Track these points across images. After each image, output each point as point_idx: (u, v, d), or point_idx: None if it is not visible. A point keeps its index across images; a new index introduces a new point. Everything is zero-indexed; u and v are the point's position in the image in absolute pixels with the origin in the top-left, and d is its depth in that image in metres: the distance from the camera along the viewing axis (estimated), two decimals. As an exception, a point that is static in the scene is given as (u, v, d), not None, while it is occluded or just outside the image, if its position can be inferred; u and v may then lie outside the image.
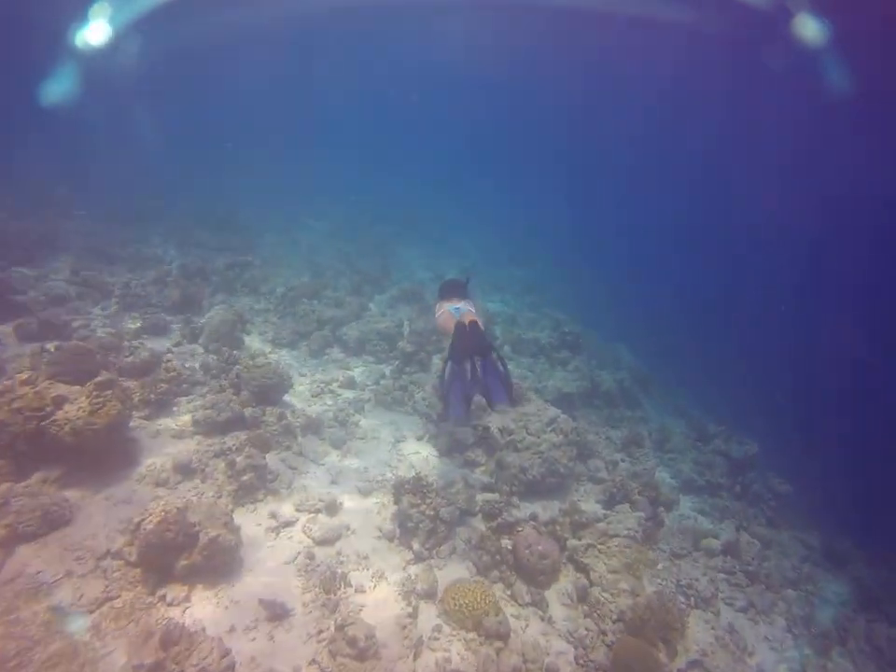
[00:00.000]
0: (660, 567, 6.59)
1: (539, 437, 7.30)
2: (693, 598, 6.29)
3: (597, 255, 24.56)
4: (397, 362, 9.40)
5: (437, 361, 9.74)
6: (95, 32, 13.83)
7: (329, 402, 7.91)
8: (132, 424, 6.04)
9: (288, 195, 22.03)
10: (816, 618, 7.10)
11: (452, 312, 5.33)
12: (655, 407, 12.88)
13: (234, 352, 7.90)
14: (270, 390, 7.15)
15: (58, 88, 16.10)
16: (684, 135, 33.87)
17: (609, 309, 19.32)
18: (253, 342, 9.31)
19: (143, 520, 4.24)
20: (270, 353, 9.09)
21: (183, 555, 4.30)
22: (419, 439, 7.62)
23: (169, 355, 7.95)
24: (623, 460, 8.65)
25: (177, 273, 10.99)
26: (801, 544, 9.35)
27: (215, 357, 7.76)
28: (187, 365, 7.65)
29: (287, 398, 7.55)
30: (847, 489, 11.00)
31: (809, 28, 13.26)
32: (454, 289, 5.69)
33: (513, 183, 33.76)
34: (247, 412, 6.69)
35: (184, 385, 7.05)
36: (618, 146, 37.83)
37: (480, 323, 5.12)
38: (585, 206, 31.00)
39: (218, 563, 4.45)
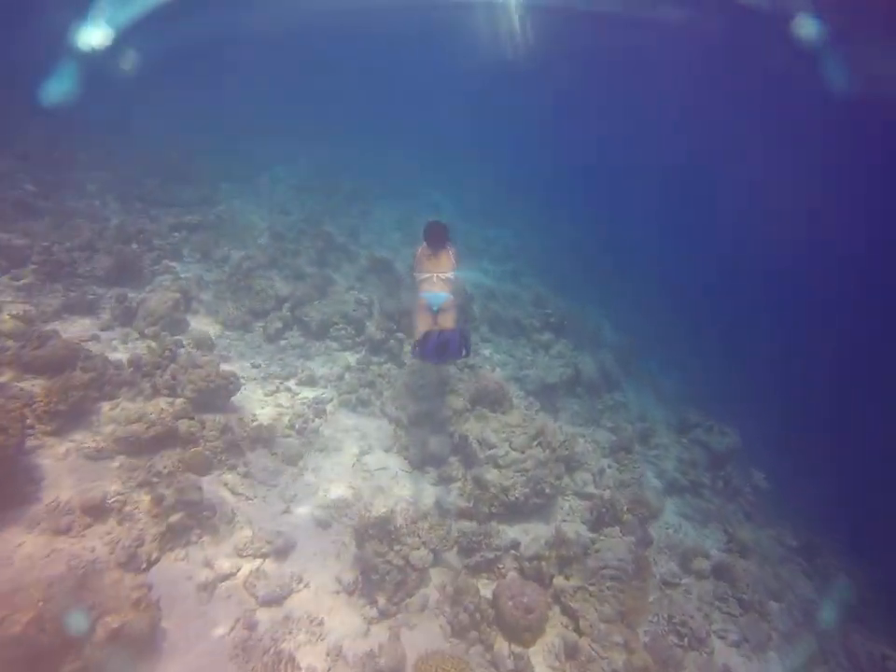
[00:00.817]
0: (651, 599, 5.88)
1: (523, 452, 6.35)
2: (687, 639, 5.61)
3: (580, 216, 23.32)
4: (364, 351, 8.25)
5: (408, 348, 8.63)
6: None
7: (285, 404, 6.76)
8: (30, 443, 4.82)
9: (258, 137, 19.93)
10: (799, 636, 6.65)
11: (428, 302, 5.20)
12: (636, 389, 12.14)
13: (173, 343, 6.58)
14: (213, 395, 5.96)
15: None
16: (684, 135, 32.32)
17: (587, 272, 18.36)
18: (200, 323, 7.99)
19: (5, 618, 3.12)
20: (219, 337, 7.82)
21: (67, 662, 3.23)
22: (387, 450, 6.59)
23: (91, 344, 6.59)
24: (609, 466, 7.82)
25: (114, 234, 9.38)
26: (778, 544, 8.94)
27: (149, 349, 6.43)
28: (113, 357, 6.35)
29: (235, 398, 6.35)
30: (827, 483, 10.61)
31: (809, 28, 13.01)
32: (436, 237, 5.44)
33: (493, 137, 31.62)
34: (183, 425, 5.50)
35: (107, 388, 5.78)
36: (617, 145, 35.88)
37: (453, 317, 5.24)
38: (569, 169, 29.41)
39: (122, 661, 3.40)
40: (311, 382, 7.22)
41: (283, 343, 8.18)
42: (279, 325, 8.22)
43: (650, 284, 19.49)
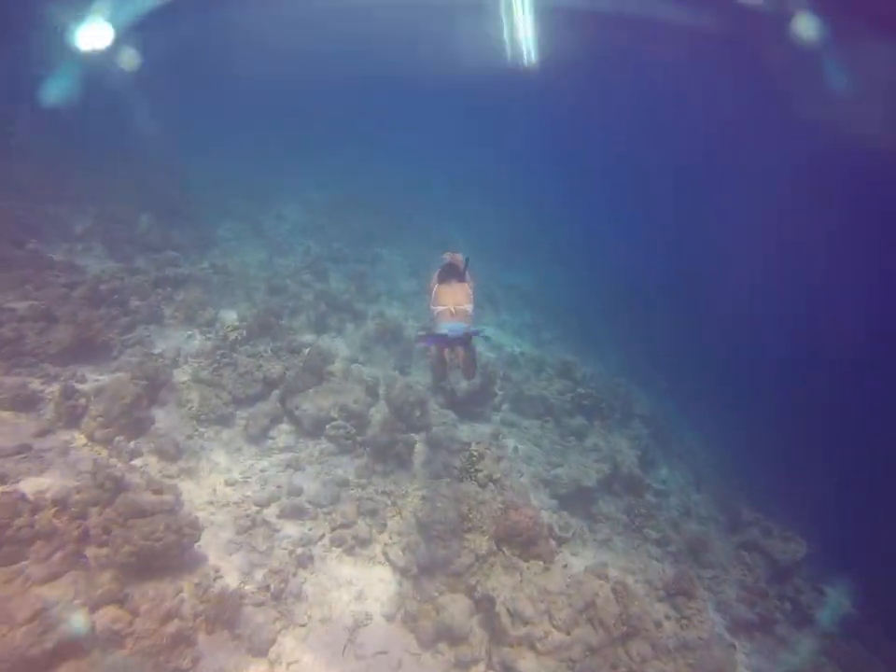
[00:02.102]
0: None
1: (569, 633, 4.68)
2: None
3: (598, 257, 21.76)
4: (365, 455, 6.64)
5: (419, 451, 7.03)
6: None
7: (261, 548, 5.12)
8: None
9: (261, 173, 18.54)
10: None
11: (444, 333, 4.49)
12: (672, 466, 10.46)
13: (113, 474, 4.95)
14: (159, 556, 4.34)
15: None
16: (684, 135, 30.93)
17: (610, 317, 16.71)
18: (168, 417, 6.40)
19: None
20: (189, 438, 6.22)
21: None
22: (390, 619, 4.92)
23: (14, 463, 5.01)
24: (668, 617, 6.10)
25: (82, 295, 7.87)
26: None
27: (80, 490, 4.81)
28: (37, 488, 4.77)
29: (194, 548, 4.73)
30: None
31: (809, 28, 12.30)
32: (452, 268, 5.03)
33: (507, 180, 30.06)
34: (102, 617, 3.87)
35: (6, 549, 4.18)
36: (618, 145, 34.45)
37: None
38: (582, 204, 27.84)
39: None
40: (297, 511, 5.57)
41: (268, 443, 6.58)
42: (265, 421, 6.62)
43: (673, 327, 17.82)
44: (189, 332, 8.30)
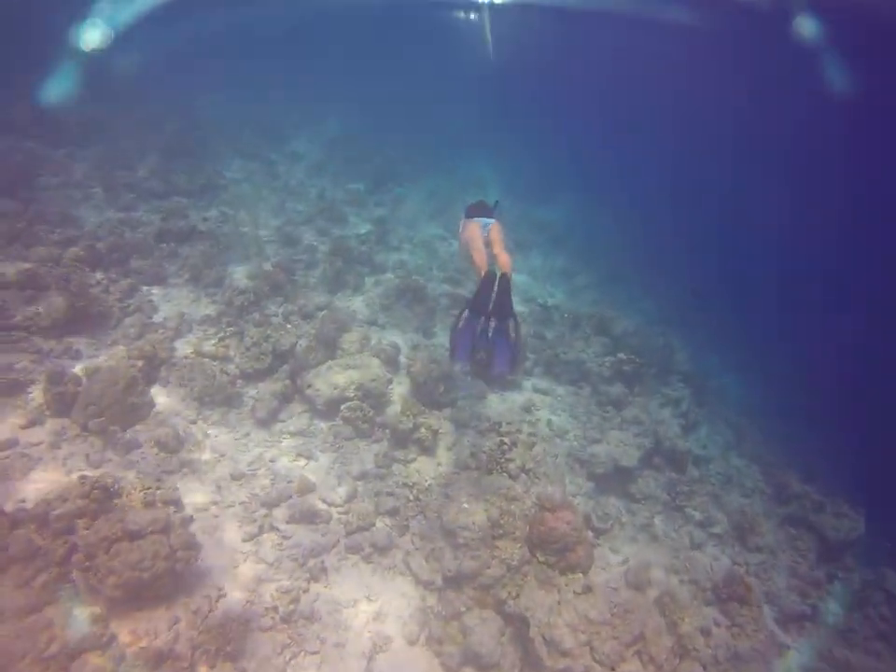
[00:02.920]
0: None
1: (614, 670, 4.04)
2: None
3: (637, 193, 19.87)
4: (384, 442, 5.91)
5: (444, 432, 6.27)
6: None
7: (269, 558, 4.52)
8: None
9: (278, 108, 16.98)
10: None
11: (480, 226, 4.85)
12: (713, 429, 9.60)
13: (104, 482, 4.29)
14: (147, 588, 3.76)
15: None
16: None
17: (653, 270, 15.28)
18: (170, 399, 5.73)
19: None
20: (192, 422, 5.57)
21: None
22: (412, 642, 4.33)
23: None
24: (718, 624, 5.44)
25: (76, 256, 7.07)
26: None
27: (69, 489, 4.19)
28: (21, 494, 4.20)
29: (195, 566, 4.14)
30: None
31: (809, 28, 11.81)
32: (481, 210, 5.04)
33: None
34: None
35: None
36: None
37: (509, 271, 4.44)
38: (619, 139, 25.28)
39: None
40: (309, 513, 4.91)
41: (278, 427, 5.88)
42: (274, 403, 5.90)
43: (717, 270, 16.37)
44: (195, 294, 7.48)
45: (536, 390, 7.89)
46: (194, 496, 4.74)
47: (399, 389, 6.69)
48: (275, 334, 6.52)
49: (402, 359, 7.14)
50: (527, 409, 7.33)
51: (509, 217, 12.40)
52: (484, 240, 4.78)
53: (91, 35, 10.82)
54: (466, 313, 4.34)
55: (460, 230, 5.11)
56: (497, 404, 7.24)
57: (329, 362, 6.30)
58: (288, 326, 6.98)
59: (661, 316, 13.32)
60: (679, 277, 15.45)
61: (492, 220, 4.94)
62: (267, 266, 8.24)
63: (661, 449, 7.48)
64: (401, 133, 16.95)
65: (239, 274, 8.16)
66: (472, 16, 20.02)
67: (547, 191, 17.30)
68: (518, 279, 11.16)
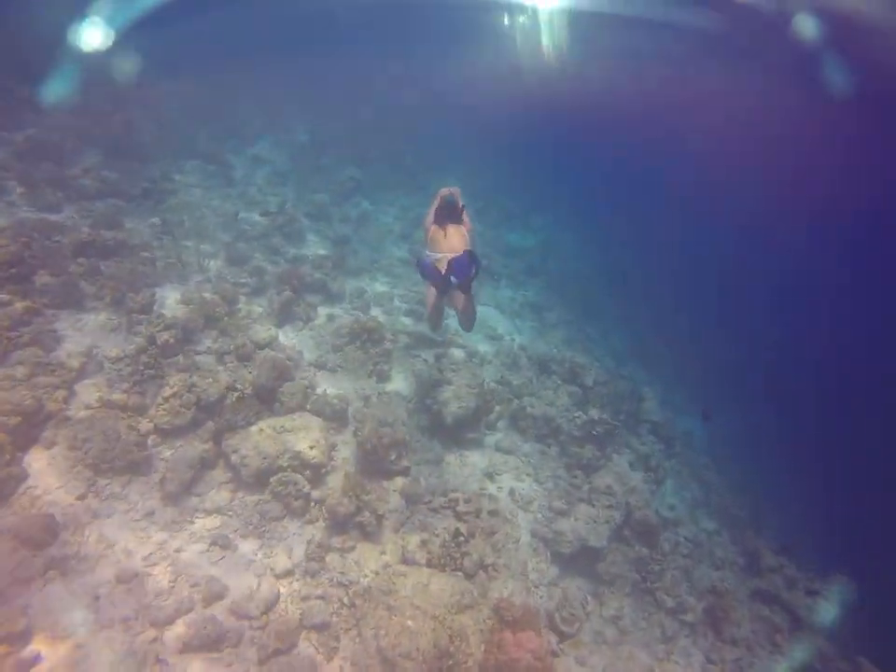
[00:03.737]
0: None
1: None
2: None
3: (612, 218, 19.34)
4: (320, 524, 4.89)
5: (392, 507, 5.29)
6: None
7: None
8: None
9: (245, 105, 15.66)
10: None
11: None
12: (682, 488, 8.96)
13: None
14: None
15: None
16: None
17: (624, 301, 14.68)
18: (53, 466, 4.54)
19: None
20: (79, 498, 4.41)
21: None
22: None
23: None
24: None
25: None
26: None
27: None
28: None
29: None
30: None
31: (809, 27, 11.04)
32: (447, 212, 4.62)
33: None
34: None
35: None
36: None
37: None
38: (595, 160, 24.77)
39: None
40: (213, 634, 3.83)
41: (192, 503, 4.77)
42: (189, 473, 4.79)
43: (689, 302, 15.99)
44: (114, 323, 6.26)
45: (499, 449, 6.99)
46: (58, 615, 3.60)
47: (345, 452, 5.67)
48: (202, 382, 5.40)
49: (351, 412, 6.11)
50: (489, 474, 6.42)
51: (479, 243, 11.60)
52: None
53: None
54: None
55: (427, 226, 4.72)
56: (457, 469, 6.31)
57: (261, 423, 5.21)
58: (220, 369, 5.87)
59: (631, 350, 12.76)
60: (652, 305, 15.01)
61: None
62: (205, 292, 7.07)
63: (631, 520, 6.70)
64: (375, 144, 15.89)
65: (172, 300, 6.97)
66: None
67: (522, 214, 16.57)
68: (485, 312, 10.31)
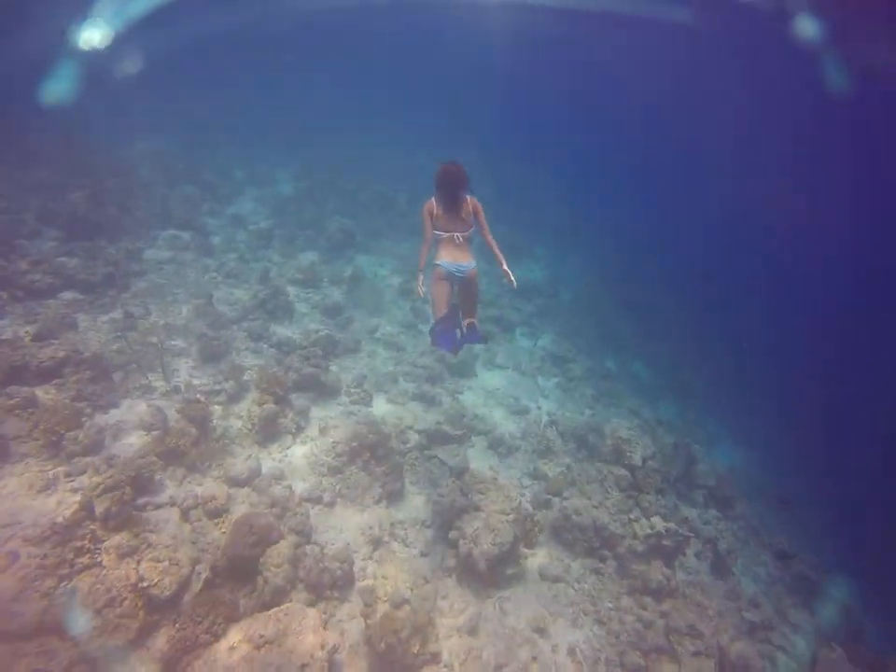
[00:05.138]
0: None
1: None
2: None
3: (621, 239, 17.86)
4: None
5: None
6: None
7: None
8: None
9: (223, 158, 14.38)
10: None
11: (447, 272, 4.04)
12: (756, 566, 7.33)
13: None
14: None
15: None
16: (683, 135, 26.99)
17: (651, 339, 13.12)
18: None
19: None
20: None
21: None
22: None
23: None
24: None
25: None
26: None
27: None
28: None
29: None
30: None
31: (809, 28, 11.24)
32: (452, 184, 3.95)
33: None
34: None
35: None
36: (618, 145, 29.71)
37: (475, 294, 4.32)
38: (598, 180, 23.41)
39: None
40: None
41: None
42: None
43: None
44: (47, 476, 4.77)
45: (544, 577, 5.43)
46: None
47: (353, 632, 4.14)
48: (154, 573, 3.89)
49: (358, 574, 4.59)
50: (540, 628, 4.85)
51: (485, 283, 10.11)
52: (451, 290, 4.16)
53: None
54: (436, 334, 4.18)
55: (424, 218, 4.07)
56: (497, 626, 4.75)
57: (235, 633, 3.69)
58: (184, 532, 4.37)
59: (657, 381, 11.28)
60: (672, 329, 13.56)
61: (467, 267, 4.07)
62: (172, 409, 5.60)
63: (726, 663, 5.11)
64: (364, 186, 14.52)
65: (130, 425, 5.50)
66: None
67: (526, 245, 15.12)
68: (505, 378, 8.81)
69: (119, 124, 14.83)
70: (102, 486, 4.35)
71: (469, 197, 4.06)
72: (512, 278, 3.99)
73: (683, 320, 14.48)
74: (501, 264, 4.01)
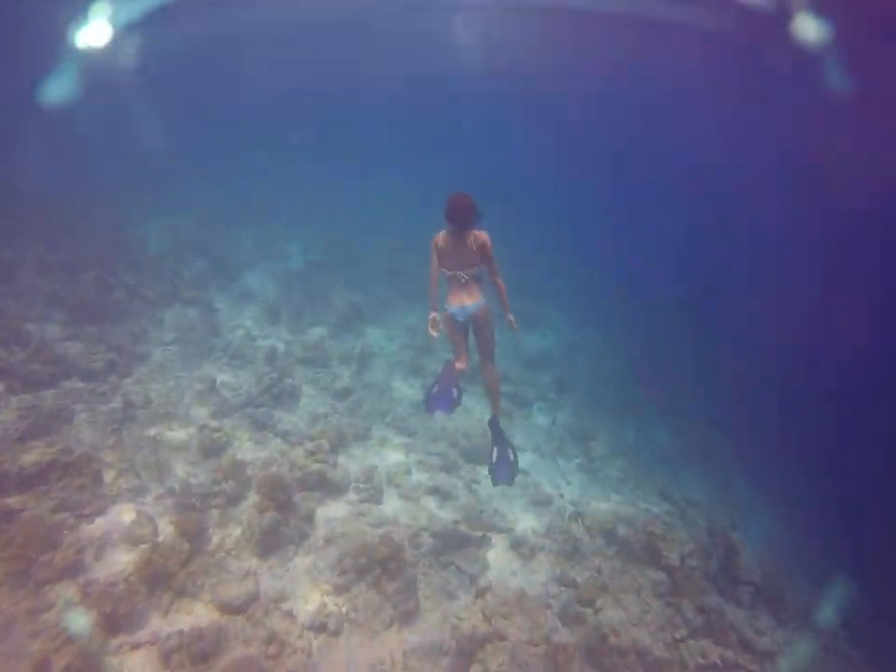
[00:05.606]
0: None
1: None
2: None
3: (636, 300, 17.48)
4: None
5: None
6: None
7: None
8: None
9: (234, 231, 14.53)
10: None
11: (453, 317, 3.94)
12: None
13: None
14: None
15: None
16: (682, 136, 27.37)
17: (661, 390, 12.47)
18: None
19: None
20: None
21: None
22: None
23: None
24: None
25: None
26: None
27: None
28: None
29: None
30: None
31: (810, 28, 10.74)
32: (458, 215, 3.70)
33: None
34: None
35: None
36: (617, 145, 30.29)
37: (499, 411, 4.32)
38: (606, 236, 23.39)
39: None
40: None
41: None
42: None
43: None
44: (5, 616, 4.16)
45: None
46: None
47: None
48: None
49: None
50: None
51: (497, 353, 9.63)
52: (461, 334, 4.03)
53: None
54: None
55: (430, 251, 3.93)
56: None
57: None
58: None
59: (680, 448, 10.54)
60: (689, 387, 12.88)
61: (473, 308, 3.89)
62: (163, 520, 5.05)
63: None
64: (374, 255, 14.48)
65: (116, 536, 4.95)
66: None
67: (536, 309, 14.78)
68: (522, 461, 8.15)
69: (141, 200, 15.20)
70: (64, 636, 3.75)
71: (476, 231, 3.80)
72: (515, 325, 3.96)
73: (701, 379, 13.83)
74: (505, 310, 3.93)
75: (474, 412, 8.86)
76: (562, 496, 7.67)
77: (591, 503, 7.63)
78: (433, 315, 3.99)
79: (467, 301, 3.86)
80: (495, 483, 4.42)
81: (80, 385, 7.22)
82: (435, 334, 3.98)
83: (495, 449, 4.29)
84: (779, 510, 10.13)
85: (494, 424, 4.35)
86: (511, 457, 4.32)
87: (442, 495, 6.69)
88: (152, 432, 6.54)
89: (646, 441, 10.70)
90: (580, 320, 15.62)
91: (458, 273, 3.80)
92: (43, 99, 11.85)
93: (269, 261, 13.10)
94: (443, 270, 3.86)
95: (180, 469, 6.07)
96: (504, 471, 4.28)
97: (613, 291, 18.11)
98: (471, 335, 4.13)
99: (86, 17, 11.75)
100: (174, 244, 12.66)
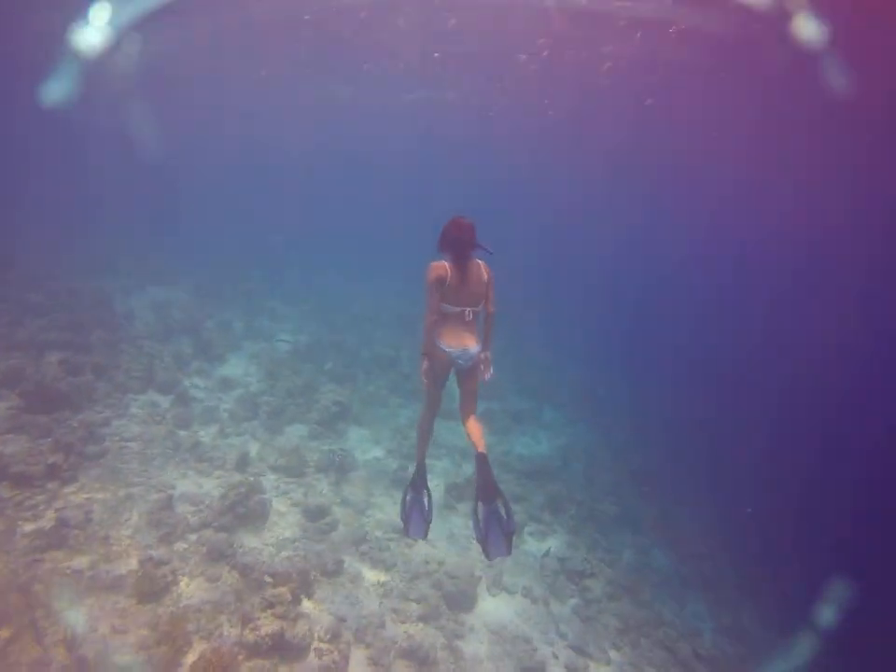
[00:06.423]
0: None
1: None
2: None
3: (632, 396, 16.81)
4: None
5: None
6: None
7: None
8: None
9: (228, 304, 13.94)
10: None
11: (451, 357, 3.38)
12: None
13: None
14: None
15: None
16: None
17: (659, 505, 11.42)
18: None
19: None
20: None
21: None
22: None
23: None
24: None
25: None
26: None
27: None
28: None
29: None
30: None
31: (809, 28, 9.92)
32: (463, 243, 3.20)
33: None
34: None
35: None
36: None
37: (483, 448, 3.34)
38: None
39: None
40: None
41: None
42: None
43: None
44: None
45: None
46: None
47: None
48: None
49: None
50: None
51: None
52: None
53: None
54: (409, 492, 3.69)
55: (428, 286, 3.21)
56: None
57: None
58: None
59: (683, 576, 9.34)
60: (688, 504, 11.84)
61: (472, 353, 3.37)
62: None
63: None
64: (369, 339, 13.86)
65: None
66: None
67: (529, 409, 14.02)
68: (510, 608, 7.06)
69: (139, 269, 14.69)
70: None
71: (479, 261, 3.38)
72: (489, 366, 3.56)
73: (701, 498, 12.86)
74: (486, 345, 3.54)
75: (459, 539, 7.85)
76: (556, 656, 6.51)
77: (589, 667, 6.46)
78: (426, 365, 3.40)
79: (470, 345, 3.36)
80: (489, 559, 3.19)
81: (7, 494, 6.15)
82: (427, 381, 3.47)
83: (480, 505, 3.12)
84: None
85: (481, 463, 3.23)
86: (504, 514, 3.18)
87: (419, 660, 5.54)
88: (82, 564, 5.43)
89: (645, 567, 9.56)
90: (576, 417, 14.84)
91: (466, 309, 3.29)
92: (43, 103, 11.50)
93: (256, 342, 12.39)
94: (447, 306, 3.27)
95: (104, 622, 4.93)
96: (497, 540, 3.13)
97: (616, 390, 17.52)
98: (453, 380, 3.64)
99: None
100: (161, 319, 11.97)
